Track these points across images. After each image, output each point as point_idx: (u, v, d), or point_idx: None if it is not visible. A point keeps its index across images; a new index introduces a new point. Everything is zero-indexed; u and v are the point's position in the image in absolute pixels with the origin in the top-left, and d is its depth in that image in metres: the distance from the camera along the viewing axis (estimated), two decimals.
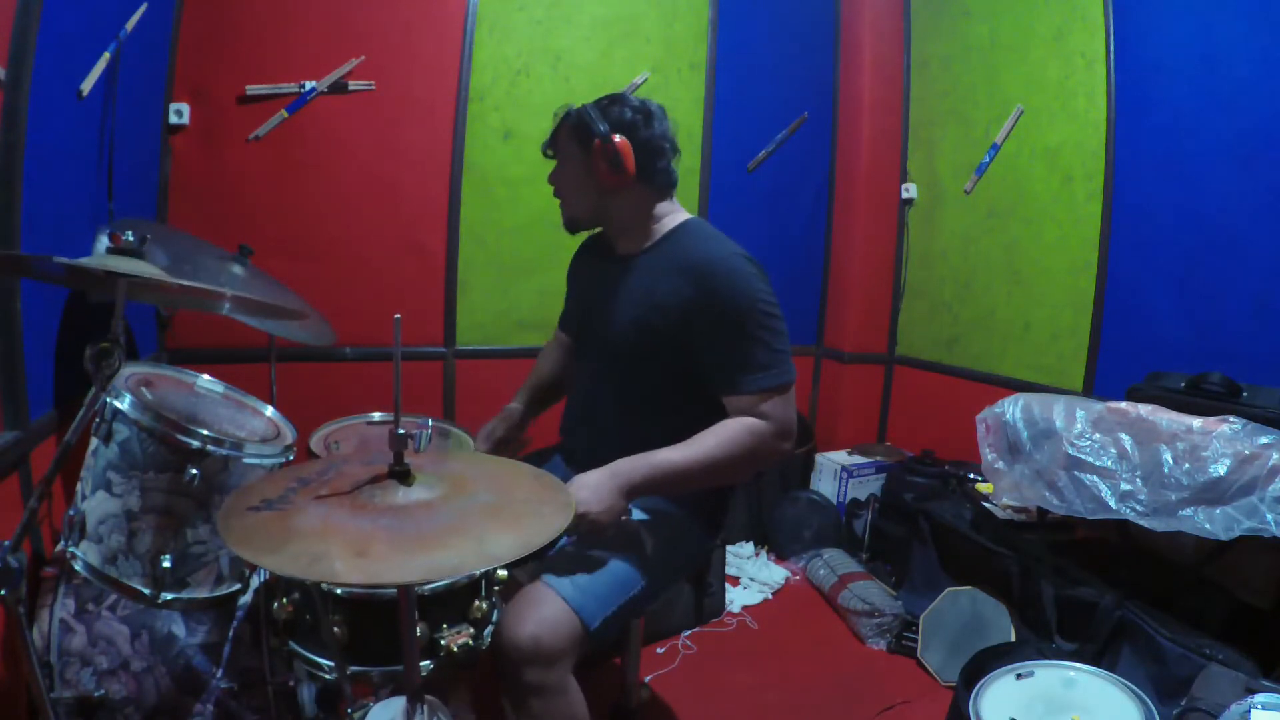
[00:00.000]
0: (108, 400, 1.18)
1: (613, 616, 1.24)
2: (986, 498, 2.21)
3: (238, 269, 1.77)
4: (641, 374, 1.39)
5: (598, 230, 1.54)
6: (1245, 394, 1.76)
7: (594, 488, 1.23)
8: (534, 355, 1.78)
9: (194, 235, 1.89)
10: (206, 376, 1.51)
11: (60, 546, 1.23)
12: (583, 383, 1.55)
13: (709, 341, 1.30)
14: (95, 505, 1.19)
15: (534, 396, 1.68)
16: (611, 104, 1.38)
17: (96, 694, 1.30)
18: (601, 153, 1.33)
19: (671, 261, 1.36)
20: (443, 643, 1.19)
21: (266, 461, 1.31)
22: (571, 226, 1.47)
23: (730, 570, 2.56)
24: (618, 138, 1.33)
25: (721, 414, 1.33)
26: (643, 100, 1.40)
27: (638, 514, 1.34)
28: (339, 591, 1.16)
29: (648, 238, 1.42)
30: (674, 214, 1.43)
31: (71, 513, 1.20)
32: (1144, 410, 1.70)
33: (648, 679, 1.99)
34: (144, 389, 1.31)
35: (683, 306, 1.31)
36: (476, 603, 1.23)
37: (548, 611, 1.17)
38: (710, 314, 1.29)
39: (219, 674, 1.41)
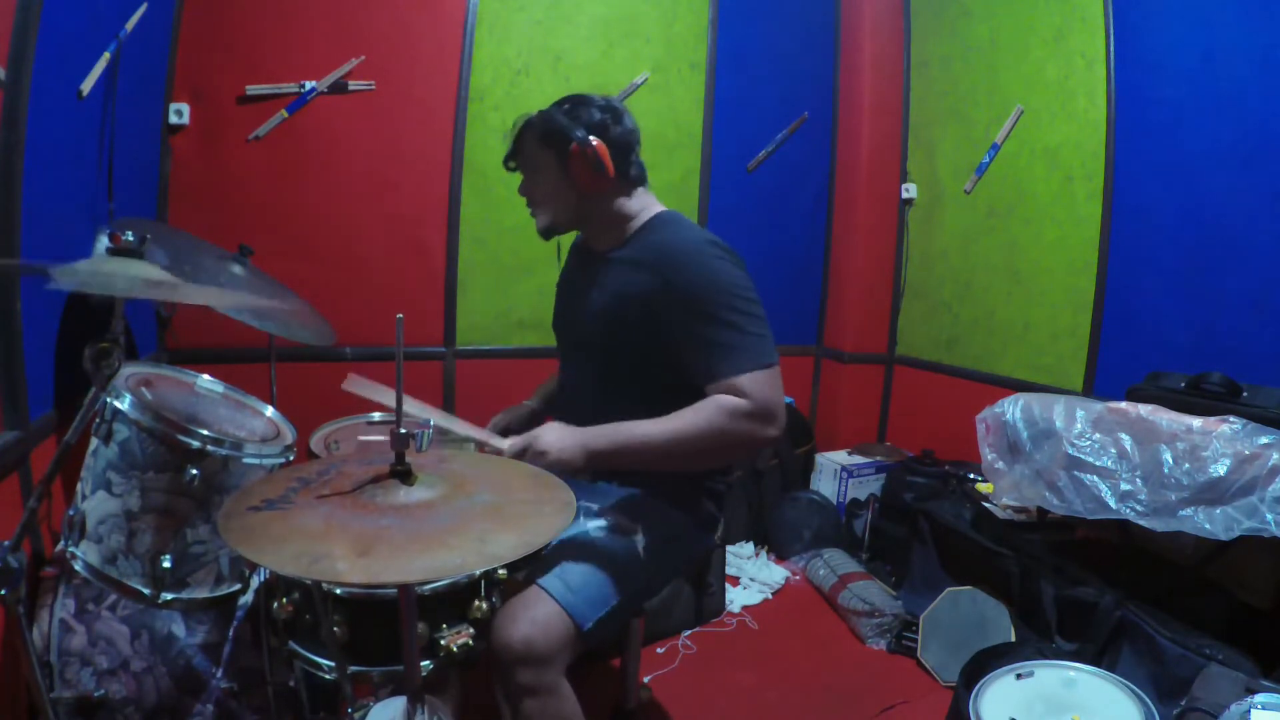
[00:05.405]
0: (108, 400, 1.18)
1: (606, 617, 1.24)
2: (986, 498, 2.21)
3: (238, 269, 1.77)
4: (616, 369, 1.38)
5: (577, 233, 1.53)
6: (1245, 394, 1.76)
7: (559, 433, 1.27)
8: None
9: (194, 235, 1.89)
10: (206, 376, 1.51)
11: (60, 546, 1.23)
12: (565, 381, 1.55)
13: (682, 332, 1.29)
14: (95, 505, 1.19)
15: (546, 398, 1.66)
16: (576, 106, 1.35)
17: (96, 694, 1.30)
18: (581, 158, 1.31)
19: (641, 255, 1.35)
20: (443, 643, 1.19)
21: (266, 461, 1.31)
22: (548, 234, 1.43)
23: (730, 570, 2.56)
24: (594, 140, 1.30)
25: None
26: (605, 98, 1.38)
27: (604, 523, 1.33)
28: (339, 591, 1.16)
29: (623, 234, 1.40)
30: (647, 208, 1.41)
31: (71, 513, 1.20)
32: (1144, 410, 1.70)
33: (648, 679, 1.99)
34: (144, 389, 1.31)
35: (649, 298, 1.30)
36: (476, 603, 1.23)
37: (539, 613, 1.17)
38: (678, 303, 1.27)
39: (219, 674, 1.41)
